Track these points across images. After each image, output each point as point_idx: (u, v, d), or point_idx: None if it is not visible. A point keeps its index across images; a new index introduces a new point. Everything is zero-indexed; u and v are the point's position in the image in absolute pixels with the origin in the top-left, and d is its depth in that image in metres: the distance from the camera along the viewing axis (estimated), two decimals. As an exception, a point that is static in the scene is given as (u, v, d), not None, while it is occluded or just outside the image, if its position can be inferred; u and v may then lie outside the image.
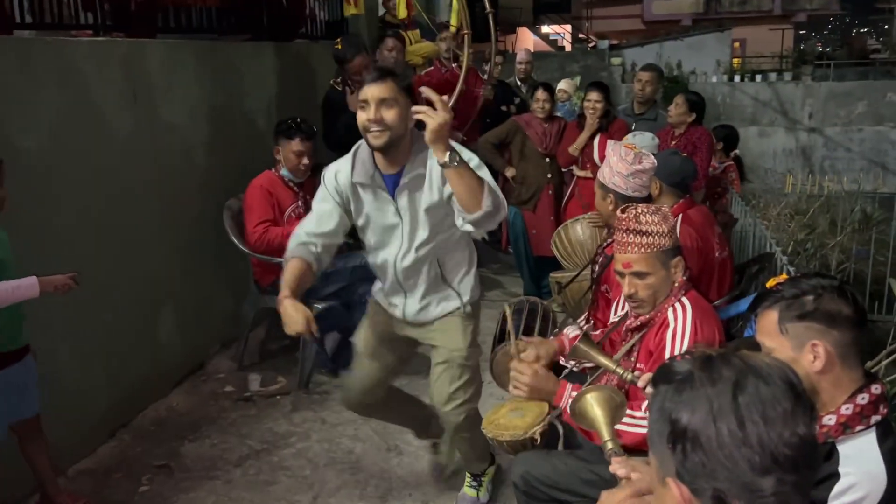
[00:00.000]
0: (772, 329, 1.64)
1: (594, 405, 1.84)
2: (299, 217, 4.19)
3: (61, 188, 3.36)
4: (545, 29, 25.17)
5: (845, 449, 1.58)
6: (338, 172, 2.63)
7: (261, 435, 3.78)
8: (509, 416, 2.50)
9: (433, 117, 2.22)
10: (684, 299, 2.33)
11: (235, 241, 4.24)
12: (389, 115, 2.40)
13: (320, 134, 4.75)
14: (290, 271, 2.55)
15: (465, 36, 5.15)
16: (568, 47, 22.51)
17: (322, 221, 2.67)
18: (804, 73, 16.02)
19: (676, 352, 2.24)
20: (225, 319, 4.72)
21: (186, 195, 4.25)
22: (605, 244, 3.26)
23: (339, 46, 4.82)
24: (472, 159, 2.44)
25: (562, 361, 2.72)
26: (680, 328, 2.27)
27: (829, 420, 1.60)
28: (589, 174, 5.10)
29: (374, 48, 5.49)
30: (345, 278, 4.04)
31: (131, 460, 3.57)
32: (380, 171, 2.57)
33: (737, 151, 6.11)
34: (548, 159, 5.40)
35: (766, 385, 1.00)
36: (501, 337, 2.93)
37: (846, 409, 1.60)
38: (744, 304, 3.22)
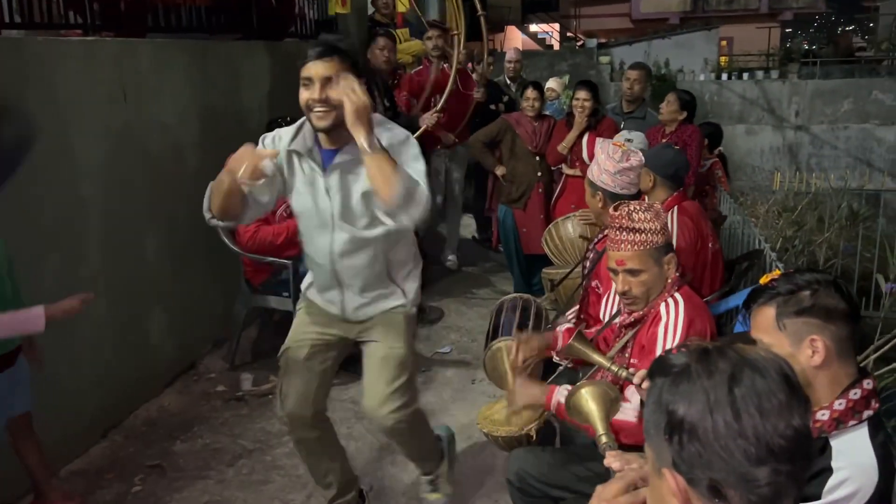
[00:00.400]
0: (769, 325, 1.65)
1: (589, 400, 1.86)
2: (290, 216, 4.20)
3: (50, 188, 3.35)
4: (533, 27, 25.19)
5: (838, 444, 1.60)
6: (278, 137, 2.52)
7: (253, 434, 3.78)
8: (504, 413, 2.52)
9: (352, 100, 2.16)
10: (677, 295, 2.35)
11: (226, 240, 4.23)
12: (336, 93, 2.26)
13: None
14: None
15: (457, 37, 5.16)
16: (556, 46, 22.56)
17: None
18: (791, 71, 16.09)
19: (668, 345, 2.25)
20: (216, 319, 4.71)
21: (177, 195, 4.24)
22: (595, 240, 3.28)
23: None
24: (418, 160, 2.40)
25: (555, 359, 2.74)
26: (672, 322, 2.29)
27: (823, 415, 1.61)
28: (578, 172, 5.13)
29: (364, 47, 5.49)
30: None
31: (123, 461, 3.56)
32: (319, 145, 2.47)
33: (720, 149, 6.14)
34: (538, 158, 5.41)
35: (762, 378, 1.02)
36: (494, 334, 2.95)
37: (839, 405, 1.61)
38: (733, 301, 3.25)
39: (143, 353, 4.06)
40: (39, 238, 3.27)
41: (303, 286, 2.83)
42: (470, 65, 6.43)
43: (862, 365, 1.64)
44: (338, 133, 2.38)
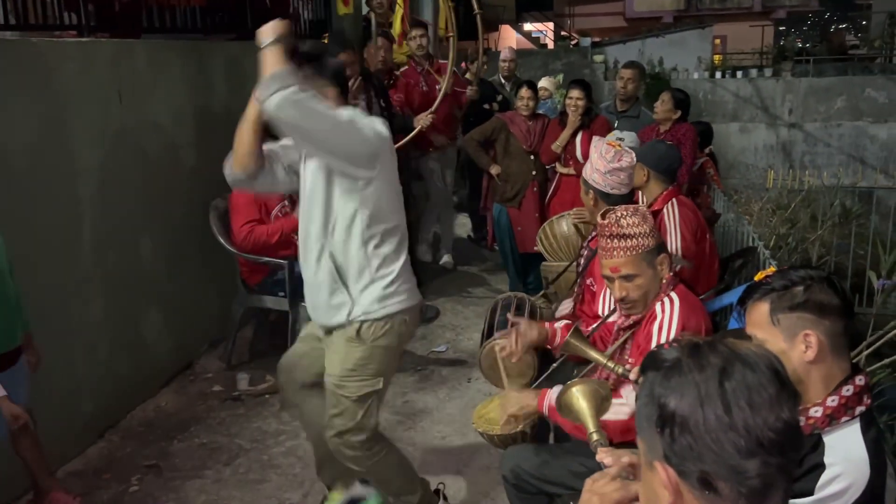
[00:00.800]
0: (763, 321, 1.66)
1: (580, 398, 1.87)
2: (286, 216, 4.21)
3: (46, 189, 3.35)
4: (527, 26, 25.22)
5: (830, 440, 1.61)
6: None
7: (250, 434, 3.79)
8: (499, 411, 2.53)
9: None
10: (672, 294, 2.37)
11: (222, 240, 4.24)
12: None
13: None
14: None
15: (451, 38, 5.16)
16: (550, 45, 22.59)
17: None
18: (784, 69, 16.14)
19: (663, 341, 2.27)
20: (212, 319, 4.72)
21: (173, 195, 4.24)
22: (589, 238, 3.30)
23: (325, 42, 4.84)
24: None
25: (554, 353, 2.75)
26: (667, 320, 2.30)
27: (816, 412, 1.62)
28: (572, 171, 5.15)
29: (359, 47, 5.49)
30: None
31: (120, 461, 3.56)
32: None
33: (711, 147, 6.16)
34: (532, 156, 5.43)
35: (752, 372, 1.03)
36: (490, 332, 2.96)
37: (832, 401, 1.62)
38: (728, 298, 3.27)
39: (140, 354, 4.07)
40: (35, 238, 3.27)
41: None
42: (463, 64, 6.44)
43: (854, 361, 1.66)
44: None
